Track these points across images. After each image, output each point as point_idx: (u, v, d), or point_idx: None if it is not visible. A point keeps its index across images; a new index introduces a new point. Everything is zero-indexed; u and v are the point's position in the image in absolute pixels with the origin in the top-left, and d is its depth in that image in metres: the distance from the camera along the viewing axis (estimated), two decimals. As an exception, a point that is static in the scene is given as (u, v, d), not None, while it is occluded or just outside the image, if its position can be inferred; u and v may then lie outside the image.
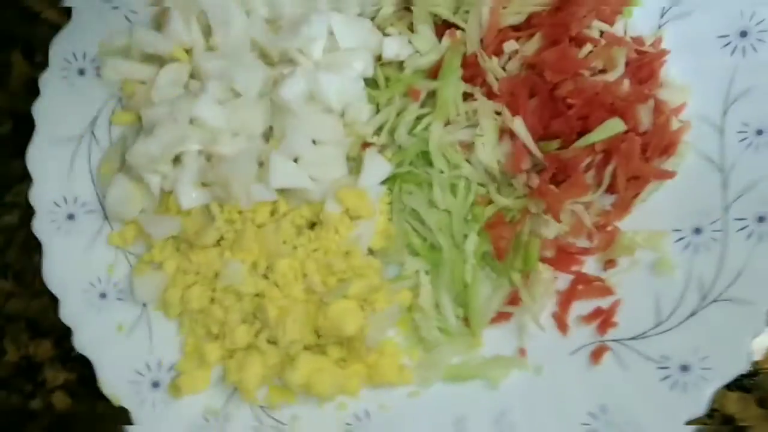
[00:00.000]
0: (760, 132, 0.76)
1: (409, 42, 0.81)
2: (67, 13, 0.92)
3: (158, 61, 0.83)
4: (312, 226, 0.78)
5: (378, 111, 0.82)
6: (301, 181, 0.76)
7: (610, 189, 0.78)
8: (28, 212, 0.82)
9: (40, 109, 0.81)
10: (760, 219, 0.74)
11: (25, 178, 0.83)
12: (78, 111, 0.83)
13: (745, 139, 0.77)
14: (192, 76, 0.81)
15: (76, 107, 0.82)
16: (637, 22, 0.83)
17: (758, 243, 0.73)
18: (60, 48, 0.83)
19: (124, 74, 0.82)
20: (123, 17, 0.85)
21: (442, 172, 0.77)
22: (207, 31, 0.81)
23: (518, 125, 0.76)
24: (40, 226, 0.79)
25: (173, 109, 0.76)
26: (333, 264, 0.74)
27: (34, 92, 0.87)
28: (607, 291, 0.76)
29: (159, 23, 0.86)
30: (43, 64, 0.91)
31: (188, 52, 0.81)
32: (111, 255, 0.79)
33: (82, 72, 0.83)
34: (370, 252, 0.78)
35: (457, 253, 0.77)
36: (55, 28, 0.92)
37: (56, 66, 0.83)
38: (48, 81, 0.82)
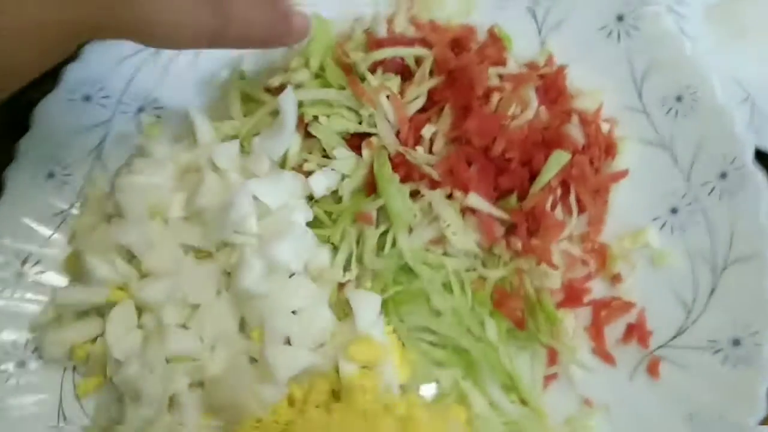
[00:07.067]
0: (679, 98, 0.79)
1: (332, 169, 0.78)
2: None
3: (96, 311, 0.76)
4: (335, 395, 0.73)
5: (335, 248, 0.78)
6: (305, 360, 0.71)
7: (579, 210, 0.78)
8: None
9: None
10: (722, 175, 0.76)
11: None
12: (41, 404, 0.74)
13: (669, 110, 0.79)
14: (138, 308, 0.74)
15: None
16: (520, 50, 0.84)
17: (730, 198, 0.75)
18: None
19: (70, 343, 0.74)
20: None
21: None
22: (131, 257, 0.75)
23: (474, 200, 0.75)
24: None
25: (144, 361, 0.69)
26: (380, 426, 0.70)
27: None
28: (628, 305, 0.76)
29: (72, 268, 0.79)
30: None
31: (122, 287, 0.75)
32: None
33: (22, 364, 0.75)
34: (402, 389, 0.75)
35: (483, 345, 0.74)
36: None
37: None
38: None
